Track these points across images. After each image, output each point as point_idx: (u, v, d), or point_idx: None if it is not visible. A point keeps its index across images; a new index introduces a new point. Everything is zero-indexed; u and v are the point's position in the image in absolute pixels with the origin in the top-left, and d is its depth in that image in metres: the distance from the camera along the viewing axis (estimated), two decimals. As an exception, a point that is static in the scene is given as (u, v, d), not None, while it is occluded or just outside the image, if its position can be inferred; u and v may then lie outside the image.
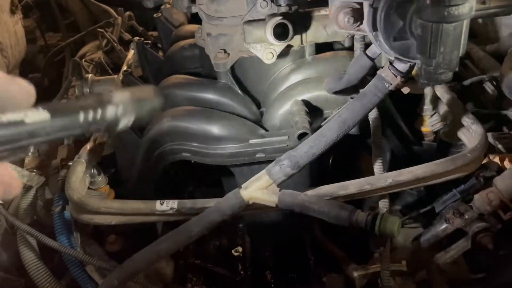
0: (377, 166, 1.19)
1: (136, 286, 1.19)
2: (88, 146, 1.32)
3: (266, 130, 1.30)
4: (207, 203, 1.12)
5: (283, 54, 1.26)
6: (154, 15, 1.78)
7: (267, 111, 1.35)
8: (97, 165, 1.30)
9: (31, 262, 1.24)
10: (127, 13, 2.50)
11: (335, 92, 1.24)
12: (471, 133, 1.22)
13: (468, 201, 1.28)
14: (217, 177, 1.54)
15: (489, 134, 1.35)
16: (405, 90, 1.28)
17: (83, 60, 2.09)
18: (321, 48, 1.36)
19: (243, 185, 1.05)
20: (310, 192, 1.09)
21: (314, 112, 1.27)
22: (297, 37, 1.20)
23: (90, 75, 1.76)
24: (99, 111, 0.41)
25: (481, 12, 0.95)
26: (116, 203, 1.18)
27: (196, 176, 1.73)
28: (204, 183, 1.75)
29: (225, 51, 1.26)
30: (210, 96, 1.33)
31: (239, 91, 1.34)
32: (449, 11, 0.77)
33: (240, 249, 1.56)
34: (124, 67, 1.70)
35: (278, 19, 1.11)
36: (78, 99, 0.41)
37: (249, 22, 1.17)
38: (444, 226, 1.28)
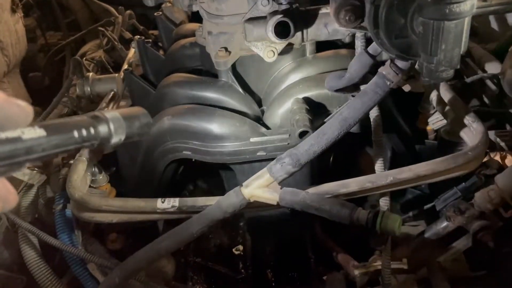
0: (378, 164, 1.19)
1: (137, 284, 1.19)
2: (89, 144, 1.32)
3: (267, 128, 1.30)
4: (208, 201, 1.12)
5: (284, 52, 1.25)
6: (155, 14, 1.78)
7: (268, 109, 1.35)
8: (98, 164, 1.31)
9: (33, 260, 1.24)
10: (128, 11, 2.49)
11: (336, 90, 1.24)
12: (472, 131, 1.22)
13: (469, 199, 1.28)
14: (218, 176, 1.54)
15: (490, 132, 1.35)
16: (406, 88, 1.28)
17: (84, 58, 2.09)
18: (322, 45, 1.36)
19: (244, 183, 1.05)
20: (311, 190, 1.09)
21: (315, 110, 1.27)
22: (298, 35, 1.20)
23: (91, 74, 1.77)
24: (92, 129, 0.43)
25: (482, 9, 0.95)
26: (117, 201, 1.18)
27: (197, 175, 1.74)
28: (205, 181, 1.75)
29: (226, 49, 1.26)
30: (210, 94, 1.33)
31: (240, 90, 1.34)
32: (450, 9, 0.77)
33: (240, 247, 1.56)
34: (125, 66, 1.70)
35: (279, 17, 1.10)
36: (72, 117, 0.43)
37: (250, 20, 1.17)
38: (445, 224, 1.29)
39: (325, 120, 1.27)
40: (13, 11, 2.13)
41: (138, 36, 1.68)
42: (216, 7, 1.21)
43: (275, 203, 1.04)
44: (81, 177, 1.21)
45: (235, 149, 1.24)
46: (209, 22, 1.26)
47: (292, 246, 1.58)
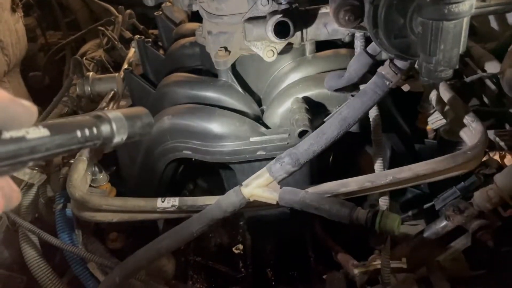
0: (378, 164, 1.19)
1: (137, 283, 1.20)
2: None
3: (267, 127, 1.31)
4: (208, 200, 1.12)
5: (284, 52, 1.26)
6: (155, 13, 1.79)
7: (267, 109, 1.36)
8: (98, 163, 1.31)
9: (33, 260, 1.24)
10: (128, 11, 2.49)
11: (336, 90, 1.25)
12: (471, 130, 1.22)
13: (468, 199, 1.28)
14: (218, 175, 1.55)
15: (490, 132, 1.35)
16: (405, 87, 1.28)
17: (84, 58, 2.09)
18: (321, 44, 1.36)
19: (243, 183, 1.06)
20: (311, 190, 1.09)
21: (314, 109, 1.27)
22: (298, 35, 1.20)
23: (91, 73, 1.77)
24: (95, 129, 0.43)
25: (481, 9, 0.95)
26: (118, 200, 1.19)
27: (197, 174, 1.74)
28: (205, 180, 1.75)
29: (225, 49, 1.26)
30: (210, 94, 1.33)
31: (240, 89, 1.35)
32: (449, 9, 0.77)
33: (240, 246, 1.57)
34: (125, 65, 1.71)
35: (278, 17, 1.11)
36: (76, 117, 0.44)
37: (250, 20, 1.17)
38: (444, 223, 1.29)
39: (324, 119, 1.27)
40: (13, 10, 2.13)
41: (138, 36, 1.69)
42: (216, 7, 1.21)
43: (274, 202, 1.04)
44: (82, 176, 1.21)
45: (235, 149, 1.24)
46: (209, 21, 1.26)
47: (292, 245, 1.59)
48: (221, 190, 1.17)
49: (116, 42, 2.14)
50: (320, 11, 1.19)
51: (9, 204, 0.42)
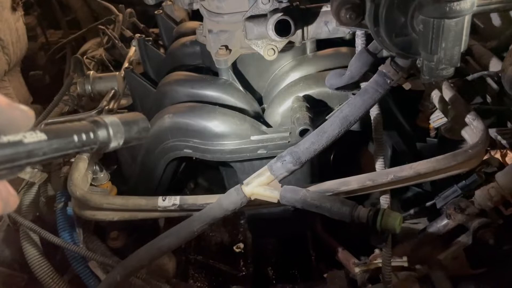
0: (379, 162, 1.19)
1: (138, 281, 1.20)
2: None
3: (268, 126, 1.31)
4: (209, 199, 1.12)
5: (285, 50, 1.26)
6: (155, 12, 1.78)
7: (268, 108, 1.36)
8: (99, 162, 1.31)
9: (34, 258, 1.24)
10: (128, 10, 2.49)
11: (337, 88, 1.24)
12: (472, 129, 1.22)
13: (469, 197, 1.28)
14: (219, 174, 1.55)
15: (491, 130, 1.35)
16: (407, 86, 1.28)
17: (85, 57, 2.09)
18: (321, 42, 1.36)
19: (244, 181, 1.05)
20: (312, 188, 1.09)
21: (315, 108, 1.27)
22: (299, 33, 1.20)
23: (91, 72, 1.77)
24: (92, 133, 0.44)
25: (483, 7, 0.95)
26: (118, 199, 1.19)
27: (198, 173, 1.74)
28: (205, 179, 1.75)
29: (226, 47, 1.26)
30: (211, 92, 1.33)
31: (240, 88, 1.34)
32: (450, 7, 0.77)
33: (241, 245, 1.57)
34: (126, 64, 1.71)
35: (279, 16, 1.10)
36: (73, 122, 0.45)
37: (251, 18, 1.17)
38: (445, 221, 1.29)
39: (325, 118, 1.27)
40: (14, 9, 2.13)
41: (139, 35, 1.68)
42: (216, 5, 1.21)
43: (275, 201, 1.04)
44: (82, 175, 1.21)
45: (236, 147, 1.24)
46: (209, 20, 1.26)
47: (293, 243, 1.59)
48: (222, 189, 1.17)
49: (116, 41, 2.13)
50: (321, 10, 1.19)
51: (7, 208, 0.42)
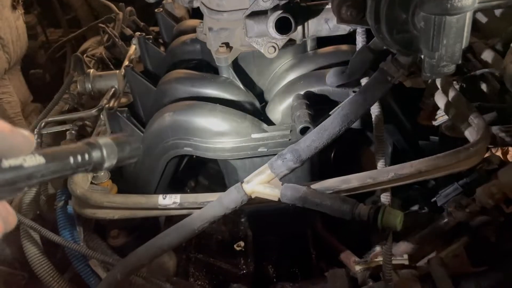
0: (379, 160, 1.19)
1: (139, 280, 1.20)
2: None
3: (268, 124, 1.30)
4: (210, 197, 1.12)
5: (285, 48, 1.25)
6: (156, 10, 1.78)
7: (269, 106, 1.35)
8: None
9: (35, 257, 1.24)
10: (128, 8, 2.49)
11: (337, 86, 1.24)
12: (473, 126, 1.22)
13: (470, 195, 1.28)
14: (219, 172, 1.55)
15: (492, 128, 1.35)
16: (407, 83, 1.28)
17: (85, 55, 2.09)
18: (322, 40, 1.35)
19: (245, 179, 1.05)
20: (313, 186, 1.09)
21: (316, 106, 1.27)
22: (299, 31, 1.20)
23: (91, 70, 1.76)
24: (87, 155, 0.47)
25: (484, 4, 0.94)
26: (119, 197, 1.19)
27: (198, 171, 1.74)
28: (206, 177, 1.75)
29: (226, 45, 1.26)
30: (211, 90, 1.33)
31: (241, 86, 1.34)
32: (452, 3, 0.77)
33: (242, 243, 1.56)
34: (126, 62, 1.70)
35: (280, 13, 1.10)
36: (69, 145, 0.47)
37: (251, 16, 1.17)
38: (446, 219, 1.28)
39: (326, 115, 1.27)
40: (14, 8, 2.13)
41: (139, 33, 1.68)
42: (216, 3, 1.21)
43: (276, 199, 1.04)
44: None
45: (236, 145, 1.24)
46: (209, 18, 1.26)
47: (293, 241, 1.59)
48: (223, 187, 1.17)
49: (116, 39, 2.13)
50: (321, 7, 1.19)
51: (7, 227, 0.44)
